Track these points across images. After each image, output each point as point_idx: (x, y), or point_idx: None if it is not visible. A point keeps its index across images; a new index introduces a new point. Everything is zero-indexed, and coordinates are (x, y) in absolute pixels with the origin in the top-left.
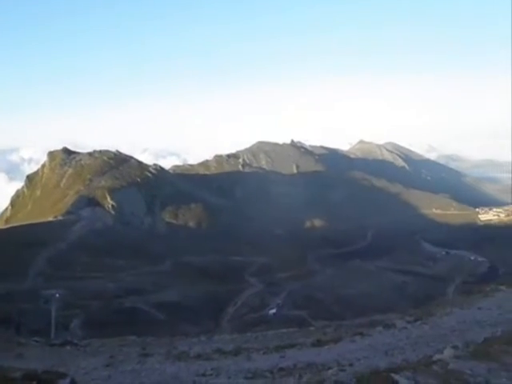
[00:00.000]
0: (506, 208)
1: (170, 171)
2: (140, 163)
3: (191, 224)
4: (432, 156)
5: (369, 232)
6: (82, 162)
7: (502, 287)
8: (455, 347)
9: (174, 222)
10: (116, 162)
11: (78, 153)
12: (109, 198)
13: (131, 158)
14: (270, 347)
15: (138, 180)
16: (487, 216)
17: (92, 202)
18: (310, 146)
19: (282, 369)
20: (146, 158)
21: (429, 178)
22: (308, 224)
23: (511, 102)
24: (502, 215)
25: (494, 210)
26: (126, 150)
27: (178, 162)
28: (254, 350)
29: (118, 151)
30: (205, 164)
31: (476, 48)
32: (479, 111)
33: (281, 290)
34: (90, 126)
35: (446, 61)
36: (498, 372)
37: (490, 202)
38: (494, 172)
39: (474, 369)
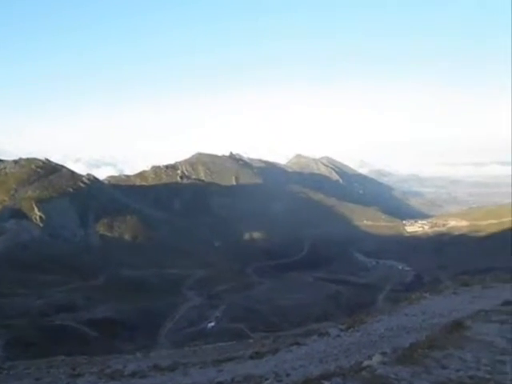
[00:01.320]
0: (429, 220)
1: (105, 182)
2: (72, 173)
3: (127, 237)
4: (364, 171)
5: (305, 244)
6: (7, 170)
7: (426, 294)
8: (384, 353)
9: (108, 234)
10: (45, 171)
11: (2, 160)
12: (36, 210)
13: (62, 167)
14: (208, 361)
15: (70, 190)
16: (413, 228)
17: (17, 214)
18: (248, 158)
19: (219, 383)
20: (79, 168)
21: (361, 191)
22: (247, 236)
23: (439, 123)
24: (426, 227)
25: (419, 222)
26: (56, 159)
27: (114, 173)
28: (191, 365)
29: (47, 159)
30: (142, 175)
31: (409, 65)
32: (407, 129)
33: (219, 302)
34: (16, 131)
35: (377, 84)
36: (420, 375)
37: (416, 215)
38: (418, 186)
39: (398, 373)
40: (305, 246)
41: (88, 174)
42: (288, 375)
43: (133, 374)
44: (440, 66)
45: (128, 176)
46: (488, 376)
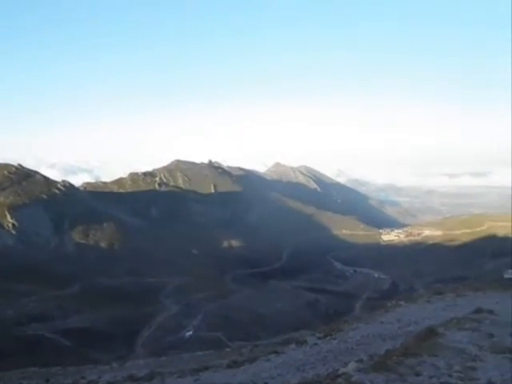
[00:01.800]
0: (405, 229)
1: (81, 188)
2: (47, 179)
3: (103, 244)
4: (341, 180)
5: (284, 252)
6: None
7: (402, 302)
8: (359, 360)
9: (84, 242)
10: (18, 177)
11: None
12: (9, 217)
13: (36, 173)
14: (185, 370)
15: (44, 197)
16: (389, 237)
17: None
18: (227, 166)
19: None
20: (54, 174)
21: (339, 200)
22: (225, 244)
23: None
24: (402, 236)
25: (395, 231)
26: (30, 164)
27: (90, 179)
28: (168, 375)
29: (20, 165)
30: (119, 182)
31: (383, 77)
32: (383, 139)
33: (197, 311)
34: None
35: (354, 94)
36: (394, 382)
37: (392, 224)
38: (394, 196)
39: (373, 380)
40: (283, 254)
41: (63, 181)
42: None
43: None
44: (416, 78)
45: (105, 183)
46: (460, 382)
